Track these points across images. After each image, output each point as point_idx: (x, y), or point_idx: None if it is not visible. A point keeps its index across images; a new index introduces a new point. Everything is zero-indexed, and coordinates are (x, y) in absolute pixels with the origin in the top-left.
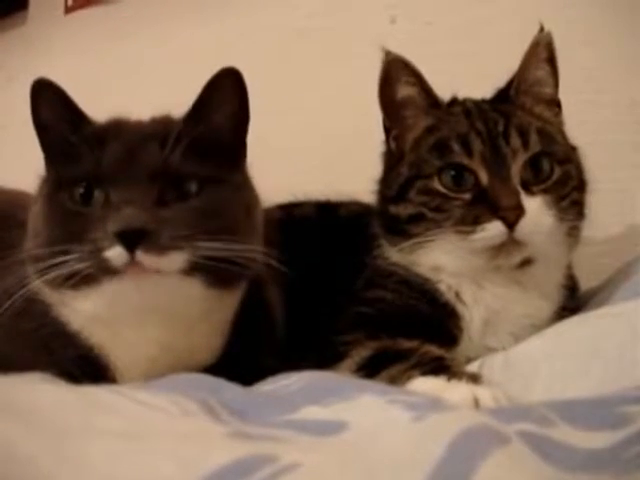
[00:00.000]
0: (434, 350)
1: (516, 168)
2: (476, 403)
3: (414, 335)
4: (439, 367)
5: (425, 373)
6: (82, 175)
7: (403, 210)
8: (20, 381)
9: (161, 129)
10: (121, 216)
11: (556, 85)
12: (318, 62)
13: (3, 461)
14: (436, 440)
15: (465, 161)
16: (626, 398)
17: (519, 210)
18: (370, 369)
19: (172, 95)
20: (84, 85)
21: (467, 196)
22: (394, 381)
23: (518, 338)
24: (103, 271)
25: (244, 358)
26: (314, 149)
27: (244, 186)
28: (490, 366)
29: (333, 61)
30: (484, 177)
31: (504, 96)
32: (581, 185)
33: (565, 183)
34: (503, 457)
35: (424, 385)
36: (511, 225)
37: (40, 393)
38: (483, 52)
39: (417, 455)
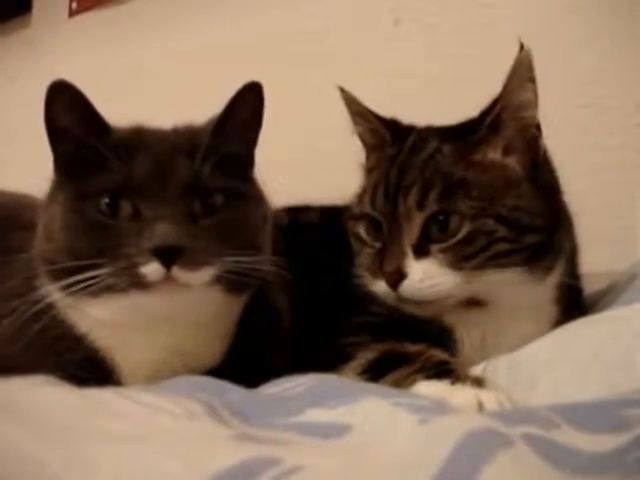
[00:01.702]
0: (439, 354)
1: (409, 228)
2: (480, 407)
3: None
4: (443, 371)
5: (429, 377)
6: (108, 186)
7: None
8: (25, 384)
9: (188, 141)
10: (157, 232)
11: (537, 105)
12: (321, 63)
13: (10, 463)
14: (441, 443)
15: (372, 213)
16: (630, 401)
17: (397, 275)
18: (375, 372)
19: (176, 98)
20: (88, 88)
21: (377, 246)
22: (398, 384)
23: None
24: (134, 285)
25: (249, 361)
26: (320, 152)
27: (260, 198)
28: (494, 369)
29: (337, 62)
30: (385, 231)
31: (472, 127)
32: (521, 231)
33: (473, 240)
34: (507, 460)
35: (428, 389)
36: (393, 286)
37: (46, 396)
38: (486, 54)
39: (422, 458)
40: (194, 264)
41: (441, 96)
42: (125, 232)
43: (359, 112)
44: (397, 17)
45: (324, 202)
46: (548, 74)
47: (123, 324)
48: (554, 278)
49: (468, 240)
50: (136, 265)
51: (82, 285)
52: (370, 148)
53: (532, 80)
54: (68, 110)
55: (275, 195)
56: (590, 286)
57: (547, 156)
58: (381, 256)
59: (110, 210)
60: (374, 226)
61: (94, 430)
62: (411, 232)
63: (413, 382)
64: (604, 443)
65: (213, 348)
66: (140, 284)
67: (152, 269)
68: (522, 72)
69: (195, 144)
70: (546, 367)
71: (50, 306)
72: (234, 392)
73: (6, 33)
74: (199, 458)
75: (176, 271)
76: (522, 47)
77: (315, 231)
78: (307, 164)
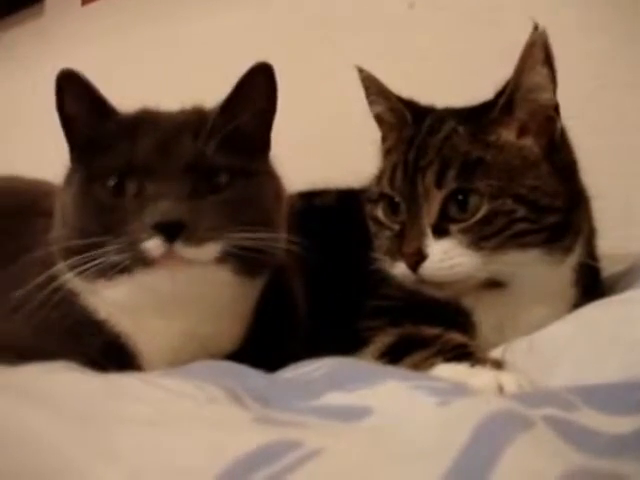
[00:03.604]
0: (457, 337)
1: (428, 207)
2: (500, 389)
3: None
4: (462, 354)
5: (448, 360)
6: (114, 167)
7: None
8: (46, 370)
9: (194, 121)
10: (158, 208)
11: (554, 89)
12: (336, 47)
13: (29, 449)
14: (461, 425)
15: (391, 193)
16: None
17: (418, 256)
18: (393, 356)
19: (190, 83)
20: (102, 75)
21: (396, 227)
22: (417, 368)
23: None
24: (138, 262)
25: (267, 345)
26: (331, 138)
27: (271, 176)
28: (513, 351)
29: (351, 46)
30: (404, 212)
31: (488, 108)
32: (540, 211)
33: (493, 220)
34: (528, 441)
35: (448, 371)
36: (413, 268)
37: (66, 382)
38: (501, 36)
39: (442, 440)
40: (197, 240)
41: (455, 79)
42: (130, 210)
43: (379, 91)
44: (412, 0)
45: (341, 185)
46: (563, 55)
47: (138, 307)
48: (573, 259)
49: (487, 220)
50: (138, 241)
51: (90, 264)
52: (388, 128)
53: (546, 61)
54: (76, 98)
55: (292, 178)
56: (608, 267)
57: (565, 137)
58: (400, 237)
59: (116, 190)
60: (392, 208)
61: (115, 415)
62: (430, 212)
63: (432, 365)
64: (623, 424)
65: (231, 333)
66: (143, 261)
67: (154, 244)
68: (534, 53)
69: (200, 123)
70: (565, 349)
71: (70, 292)
72: (254, 376)
73: (20, 22)
74: (221, 442)
75: (178, 247)
76: (536, 28)
77: (332, 214)
78: (323, 148)
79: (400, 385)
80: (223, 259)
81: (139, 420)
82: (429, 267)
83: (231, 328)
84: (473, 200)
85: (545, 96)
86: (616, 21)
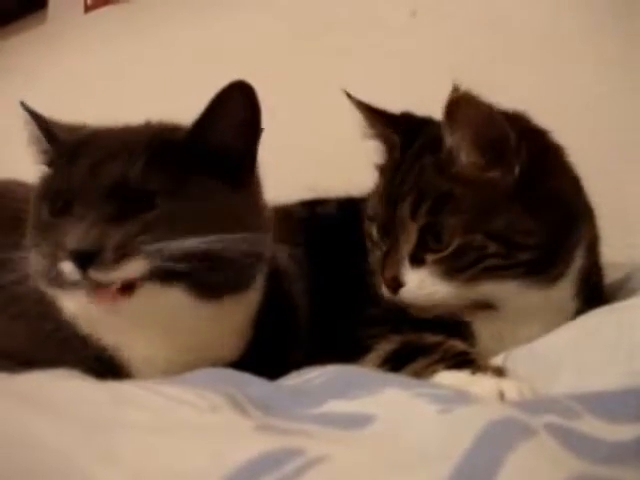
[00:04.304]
0: (458, 345)
1: (405, 237)
2: (501, 396)
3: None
4: (464, 361)
5: (449, 367)
6: (54, 188)
7: None
8: (49, 377)
9: (129, 142)
10: (73, 233)
11: (498, 123)
12: (337, 55)
13: (34, 455)
14: (463, 433)
15: (373, 223)
16: None
17: (395, 283)
18: (394, 363)
19: (193, 92)
20: (104, 82)
21: (384, 249)
22: (419, 375)
23: None
24: (62, 283)
25: (269, 353)
26: (334, 146)
27: (243, 200)
28: (514, 359)
29: (353, 54)
30: (387, 238)
31: None
32: (513, 248)
33: (464, 254)
34: (530, 449)
35: (449, 379)
36: (392, 292)
37: (70, 388)
38: (504, 45)
39: (444, 448)
40: (109, 263)
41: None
42: (58, 229)
43: (367, 117)
44: (414, 8)
45: (341, 195)
46: (568, 60)
47: (104, 322)
48: (569, 279)
49: (459, 253)
50: (57, 260)
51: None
52: (384, 149)
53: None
54: (31, 123)
55: (290, 187)
56: (610, 275)
57: (556, 161)
58: (383, 262)
59: (54, 211)
60: (383, 229)
61: (118, 422)
62: (408, 241)
63: (433, 372)
64: (625, 432)
65: (228, 345)
66: (66, 282)
67: (69, 268)
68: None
69: (135, 144)
70: (566, 356)
71: (57, 306)
72: (256, 384)
73: (22, 29)
74: (223, 449)
75: (92, 272)
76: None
77: (333, 223)
78: (323, 157)
79: (402, 393)
80: (164, 285)
81: (141, 426)
82: (407, 293)
83: (227, 341)
84: (445, 234)
85: (494, 133)
86: (621, 24)
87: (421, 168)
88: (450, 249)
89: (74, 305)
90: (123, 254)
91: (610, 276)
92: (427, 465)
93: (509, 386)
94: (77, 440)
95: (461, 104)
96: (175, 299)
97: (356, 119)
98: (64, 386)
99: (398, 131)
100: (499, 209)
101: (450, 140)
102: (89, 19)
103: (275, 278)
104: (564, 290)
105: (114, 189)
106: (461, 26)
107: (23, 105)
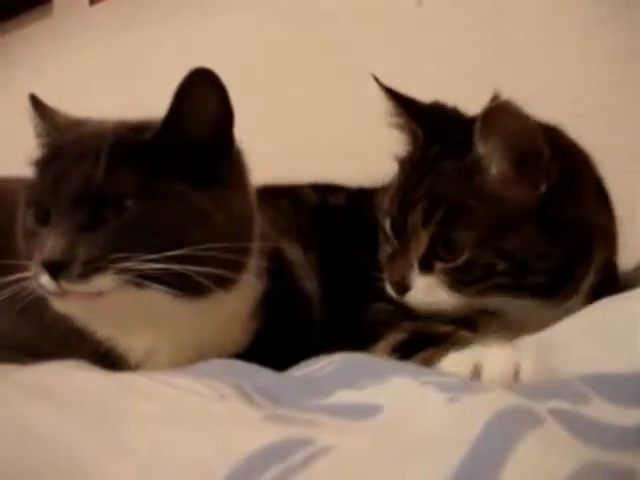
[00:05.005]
0: (469, 335)
1: (416, 242)
2: (516, 369)
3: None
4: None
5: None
6: (35, 194)
7: None
8: (59, 368)
9: (94, 144)
10: (46, 245)
11: (537, 137)
12: (342, 46)
13: (45, 447)
14: (471, 422)
15: (387, 217)
16: None
17: (402, 286)
18: (404, 352)
19: None
20: (110, 75)
21: (395, 246)
22: (428, 364)
23: None
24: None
25: (278, 343)
26: (335, 139)
27: (223, 196)
28: (520, 348)
29: (358, 45)
30: (397, 239)
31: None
32: (523, 270)
33: (472, 269)
34: (537, 438)
35: (459, 356)
36: (398, 294)
37: (79, 379)
38: (510, 35)
39: (452, 437)
40: (78, 276)
41: (465, 78)
42: (40, 242)
43: (395, 105)
44: None
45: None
46: (574, 49)
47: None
48: (580, 296)
49: (467, 268)
50: (36, 275)
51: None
52: (408, 142)
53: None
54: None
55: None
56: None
57: (585, 179)
58: (391, 262)
59: (36, 218)
60: (395, 228)
61: (128, 413)
62: (418, 246)
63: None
64: (634, 417)
65: (231, 337)
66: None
67: (45, 281)
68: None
69: (101, 146)
70: (577, 342)
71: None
72: (264, 375)
73: (28, 23)
74: (232, 439)
75: (64, 284)
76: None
77: (344, 213)
78: (338, 148)
79: (410, 381)
80: (138, 285)
81: (151, 417)
82: (412, 297)
83: (225, 332)
84: (456, 245)
85: (529, 145)
86: (631, 16)
87: (441, 172)
88: (459, 261)
89: (57, 305)
90: (92, 268)
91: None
92: (435, 454)
93: (524, 356)
94: (87, 431)
95: (500, 113)
96: (150, 299)
97: (366, 100)
98: (73, 377)
99: (423, 126)
100: (515, 228)
101: (482, 149)
102: (94, 11)
103: (282, 270)
104: (574, 307)
105: (80, 195)
106: (467, 16)
107: (32, 98)
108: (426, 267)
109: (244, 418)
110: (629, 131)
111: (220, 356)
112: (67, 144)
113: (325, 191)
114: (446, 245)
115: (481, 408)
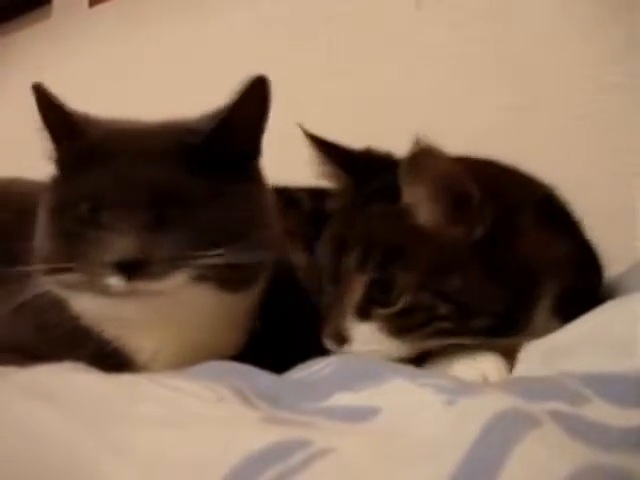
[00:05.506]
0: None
1: (350, 290)
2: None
3: None
4: None
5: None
6: (81, 194)
7: None
8: (58, 370)
9: (163, 143)
10: (115, 245)
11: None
12: (341, 48)
13: (45, 448)
14: (469, 424)
15: (323, 263)
16: None
17: (340, 338)
18: None
19: (199, 86)
20: (110, 76)
21: (331, 299)
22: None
23: None
24: (104, 292)
25: (276, 344)
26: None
27: (256, 190)
28: (527, 351)
29: (356, 46)
30: (330, 288)
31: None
32: (466, 314)
33: (413, 314)
34: (536, 440)
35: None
36: (338, 346)
37: (79, 381)
38: (511, 36)
39: (450, 440)
40: (157, 274)
41: (465, 80)
42: (93, 242)
43: (321, 154)
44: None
45: None
46: (576, 50)
47: (115, 319)
48: (534, 325)
49: (408, 312)
50: (101, 276)
51: (57, 283)
52: (338, 191)
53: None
54: (45, 114)
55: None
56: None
57: (528, 218)
58: (327, 314)
59: (83, 220)
60: (331, 277)
61: (127, 414)
62: (353, 293)
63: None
64: (634, 418)
65: (233, 338)
66: (108, 292)
67: (114, 281)
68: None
69: (168, 146)
70: (581, 346)
71: (59, 299)
72: (262, 377)
73: (28, 24)
74: (230, 440)
75: (139, 283)
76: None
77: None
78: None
79: (407, 383)
80: (198, 281)
81: (150, 418)
82: (352, 349)
83: (231, 334)
84: (394, 290)
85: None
86: (631, 16)
87: (374, 217)
88: (398, 306)
89: (86, 303)
90: (171, 267)
91: (614, 269)
92: (433, 457)
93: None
94: (86, 432)
95: (422, 158)
96: (204, 294)
97: (361, 101)
98: (72, 378)
99: (352, 172)
100: (455, 269)
101: (409, 195)
102: (94, 13)
103: (283, 268)
104: (530, 334)
105: (154, 195)
106: (467, 18)
107: (38, 87)
108: (364, 314)
109: (242, 419)
110: (629, 132)
111: (219, 358)
112: (108, 144)
113: (320, 195)
114: (383, 290)
115: (479, 410)
